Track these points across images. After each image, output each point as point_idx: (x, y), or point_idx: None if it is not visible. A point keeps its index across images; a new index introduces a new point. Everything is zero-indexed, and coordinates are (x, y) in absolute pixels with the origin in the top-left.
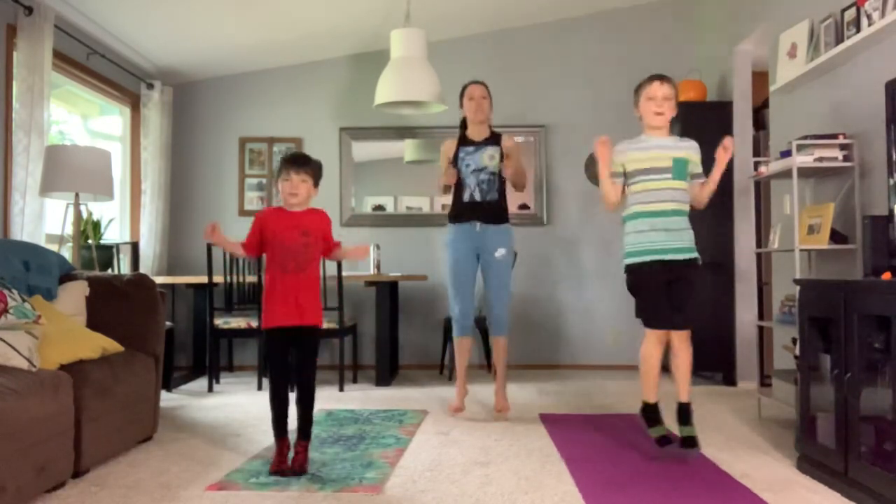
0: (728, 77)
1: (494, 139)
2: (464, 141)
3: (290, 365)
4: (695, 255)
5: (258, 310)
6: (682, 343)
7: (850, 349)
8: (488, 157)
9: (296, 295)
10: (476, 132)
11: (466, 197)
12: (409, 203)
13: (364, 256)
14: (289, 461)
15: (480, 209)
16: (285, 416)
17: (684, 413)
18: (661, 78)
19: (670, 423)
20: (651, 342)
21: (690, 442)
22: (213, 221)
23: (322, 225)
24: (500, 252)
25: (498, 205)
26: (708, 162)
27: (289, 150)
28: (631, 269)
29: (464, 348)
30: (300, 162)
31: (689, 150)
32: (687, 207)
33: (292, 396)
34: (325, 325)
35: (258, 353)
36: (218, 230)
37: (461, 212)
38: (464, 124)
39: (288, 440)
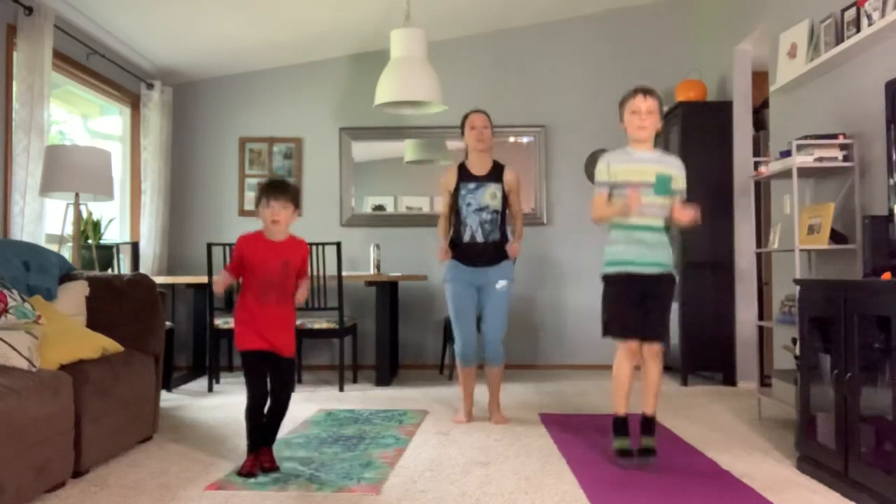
0: (728, 77)
1: (496, 173)
2: (464, 174)
3: (266, 381)
4: (669, 269)
5: (220, 295)
6: (652, 358)
7: (850, 349)
8: (490, 196)
9: (274, 326)
10: (477, 163)
11: (467, 237)
12: (409, 203)
13: (301, 298)
14: (256, 469)
15: (482, 251)
16: (261, 432)
17: (647, 425)
18: (645, 91)
19: (675, 422)
20: (620, 355)
21: (647, 452)
22: (216, 280)
23: (302, 255)
24: (501, 284)
25: (500, 244)
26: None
27: (289, 150)
28: (606, 278)
29: (468, 377)
30: (279, 188)
31: (673, 167)
32: (664, 223)
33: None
34: (325, 325)
35: None
36: (223, 281)
37: (461, 252)
38: (465, 154)
39: (259, 453)
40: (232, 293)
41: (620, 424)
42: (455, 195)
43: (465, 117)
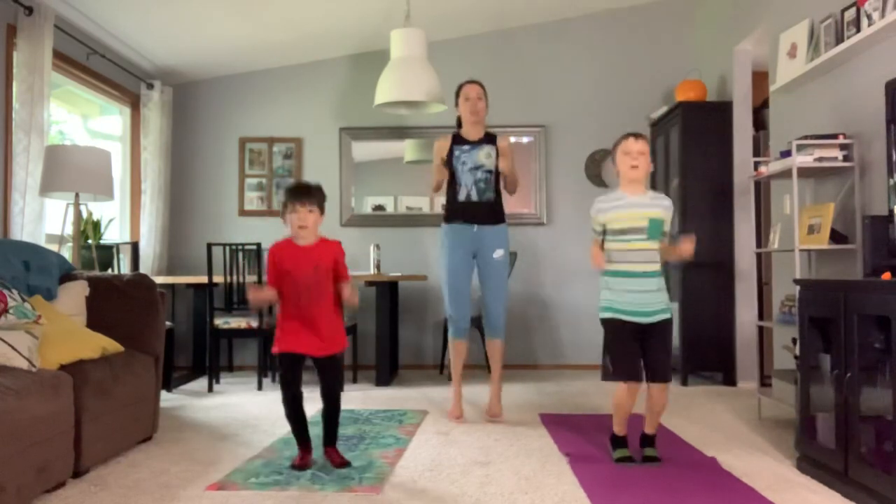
0: (728, 77)
1: (490, 139)
2: (458, 140)
3: (300, 382)
4: (667, 315)
5: (258, 310)
6: (660, 393)
7: (850, 349)
8: (485, 155)
9: (312, 329)
10: (471, 132)
11: (462, 196)
12: (409, 203)
13: (353, 301)
14: (309, 461)
15: (477, 209)
16: (306, 429)
17: (647, 440)
18: (636, 135)
19: (675, 422)
20: (623, 391)
21: (652, 460)
22: (251, 286)
23: (334, 256)
24: (499, 253)
25: (495, 204)
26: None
27: (289, 150)
28: (605, 323)
29: (460, 350)
30: (304, 193)
31: (662, 209)
32: (660, 267)
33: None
34: None
35: (258, 353)
36: (257, 294)
37: (457, 212)
38: (459, 123)
39: (311, 446)
40: (233, 294)
41: (618, 441)
42: (449, 158)
43: (460, 87)
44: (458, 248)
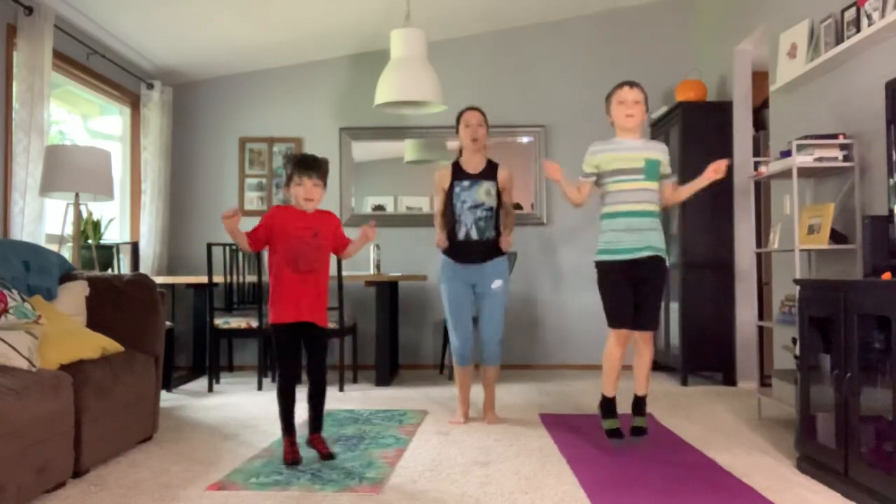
0: (728, 77)
1: (490, 171)
2: (458, 173)
3: (299, 360)
4: (660, 253)
5: (258, 310)
6: (645, 344)
7: (850, 349)
8: (485, 193)
9: (305, 296)
10: (471, 162)
11: (462, 235)
12: (409, 203)
13: (371, 236)
14: (299, 454)
15: (477, 248)
16: (293, 411)
17: (638, 404)
18: (630, 83)
19: (675, 422)
20: (612, 341)
21: (638, 431)
22: (235, 208)
23: (332, 227)
24: (497, 283)
25: (495, 242)
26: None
27: (289, 150)
28: (599, 266)
29: (465, 378)
30: (312, 165)
31: (659, 151)
32: (658, 208)
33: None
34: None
35: (258, 353)
36: (238, 216)
37: (457, 250)
38: (460, 152)
39: (296, 434)
40: (233, 294)
41: (609, 405)
42: (449, 193)
43: (460, 114)
44: (458, 281)
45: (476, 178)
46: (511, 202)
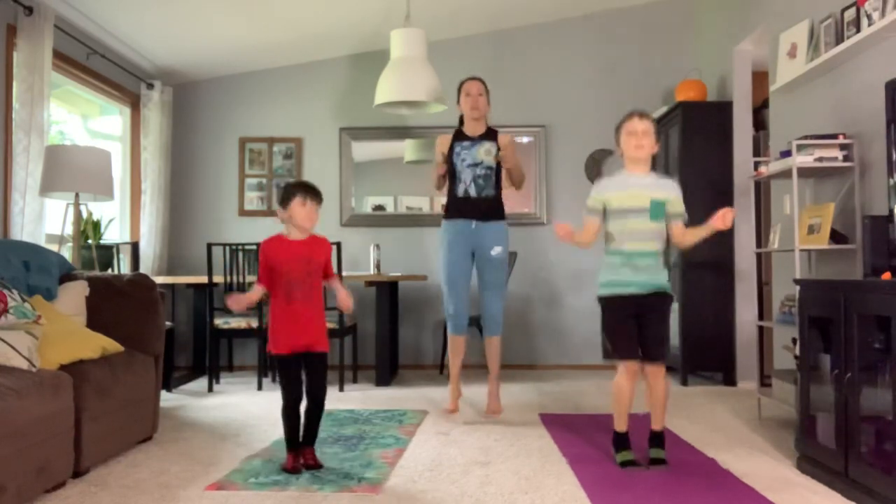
0: (728, 77)
1: (491, 135)
2: (459, 136)
3: (301, 381)
4: (664, 289)
5: (258, 310)
6: (655, 377)
7: (850, 349)
8: (485, 152)
9: (304, 325)
10: (472, 128)
11: (461, 192)
12: (409, 203)
13: (347, 307)
14: (300, 465)
15: (476, 205)
16: (298, 428)
17: (656, 439)
18: (640, 114)
19: (675, 422)
20: (622, 375)
21: (658, 462)
22: (228, 296)
23: (325, 254)
24: (497, 250)
25: (494, 200)
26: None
27: (289, 150)
28: (603, 301)
29: (458, 347)
30: (315, 191)
31: (668, 190)
32: (662, 247)
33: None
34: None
35: (258, 353)
36: (237, 298)
37: (456, 208)
38: (461, 121)
39: (299, 449)
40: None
41: (621, 440)
42: (450, 155)
43: (461, 84)
44: (457, 245)
45: (476, 139)
46: (517, 164)
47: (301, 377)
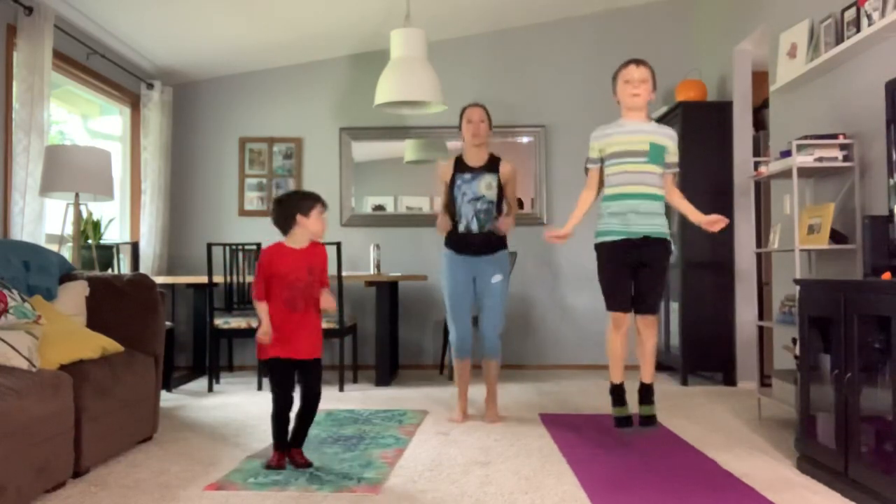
0: (728, 77)
1: (492, 165)
2: (461, 166)
3: (294, 387)
4: (662, 235)
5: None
6: (647, 329)
7: (850, 349)
8: (486, 186)
9: (301, 334)
10: (473, 156)
11: (462, 227)
12: (409, 203)
13: (330, 306)
14: (284, 463)
15: (477, 241)
16: (287, 431)
17: (645, 392)
18: (637, 61)
19: (675, 422)
20: (610, 326)
21: (648, 420)
22: (257, 336)
23: (323, 262)
24: (497, 278)
25: (495, 234)
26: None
27: (289, 150)
28: (598, 248)
29: (464, 370)
30: (324, 202)
31: (667, 138)
32: (662, 192)
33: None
34: (325, 326)
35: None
36: (263, 331)
37: (457, 242)
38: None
39: (285, 450)
40: (233, 294)
41: (617, 392)
42: (451, 186)
43: (463, 110)
44: (458, 273)
45: (477, 172)
46: (514, 196)
47: (294, 382)
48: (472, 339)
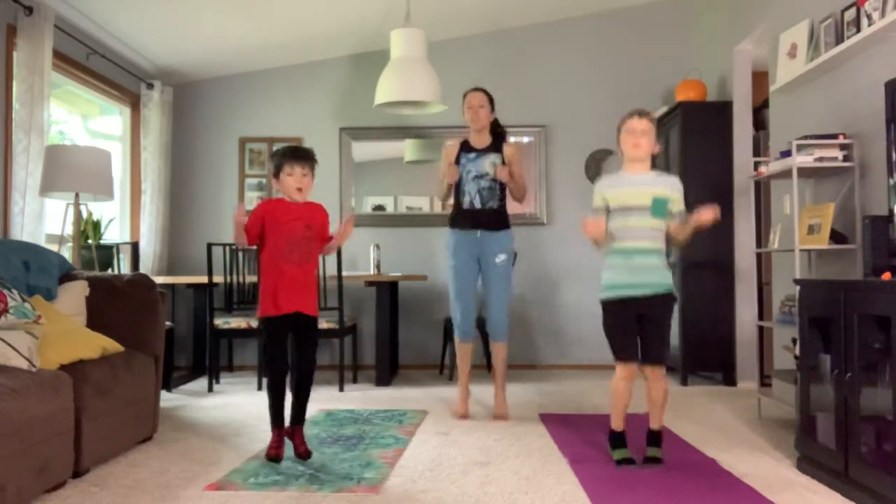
0: (728, 77)
1: (497, 146)
2: (466, 146)
3: (289, 354)
4: (667, 290)
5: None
6: (655, 378)
7: (850, 349)
8: (490, 164)
9: (298, 287)
10: (477, 139)
11: (466, 204)
12: (409, 203)
13: (348, 231)
14: (283, 451)
15: (480, 217)
16: (283, 404)
17: (654, 437)
18: (640, 113)
19: (675, 422)
20: (619, 375)
21: (653, 461)
22: (241, 204)
23: (323, 219)
24: (501, 258)
25: (499, 211)
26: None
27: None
28: (604, 304)
29: (465, 353)
30: (301, 155)
31: (669, 187)
32: (663, 246)
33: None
34: (325, 326)
35: (258, 353)
36: (243, 210)
37: (461, 219)
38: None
39: (284, 428)
40: (233, 294)
41: (617, 438)
42: (456, 165)
43: (465, 95)
44: (463, 253)
45: (482, 152)
46: (521, 174)
47: (287, 347)
48: (474, 322)
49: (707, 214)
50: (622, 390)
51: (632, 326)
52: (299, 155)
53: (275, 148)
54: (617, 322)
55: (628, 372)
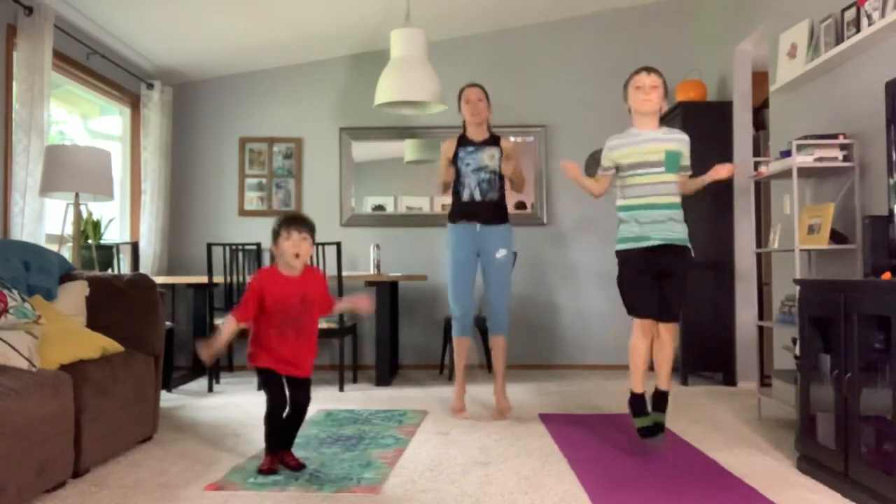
0: (728, 77)
1: (494, 140)
2: (463, 141)
3: (285, 391)
4: (682, 242)
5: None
6: (667, 336)
7: (850, 349)
8: (488, 157)
9: (293, 359)
10: (475, 134)
11: (466, 196)
12: (409, 203)
13: (366, 307)
14: (277, 467)
15: (480, 209)
16: (280, 433)
17: (659, 399)
18: (648, 69)
19: (675, 422)
20: (637, 333)
21: (657, 426)
22: (200, 344)
23: (320, 288)
24: (501, 252)
25: (498, 204)
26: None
27: (289, 150)
28: (620, 255)
29: (463, 348)
30: (301, 221)
31: (681, 143)
32: (679, 199)
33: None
34: (325, 326)
35: None
36: (207, 345)
37: (461, 212)
38: (465, 126)
39: (279, 453)
40: (233, 294)
41: (638, 402)
42: (455, 160)
43: (461, 91)
44: (463, 247)
45: (480, 145)
46: (520, 168)
47: (284, 387)
48: (472, 316)
49: (723, 171)
50: (641, 349)
51: (646, 281)
52: (298, 220)
53: (275, 148)
54: (632, 275)
55: (644, 328)
